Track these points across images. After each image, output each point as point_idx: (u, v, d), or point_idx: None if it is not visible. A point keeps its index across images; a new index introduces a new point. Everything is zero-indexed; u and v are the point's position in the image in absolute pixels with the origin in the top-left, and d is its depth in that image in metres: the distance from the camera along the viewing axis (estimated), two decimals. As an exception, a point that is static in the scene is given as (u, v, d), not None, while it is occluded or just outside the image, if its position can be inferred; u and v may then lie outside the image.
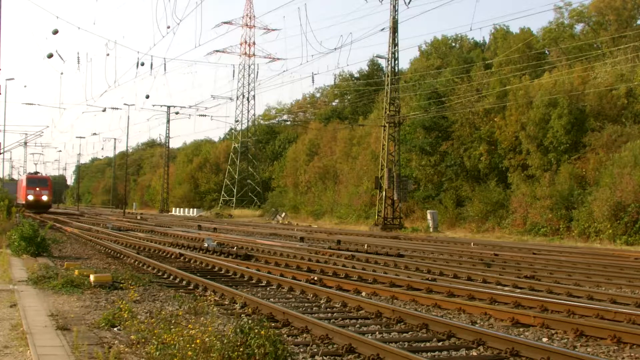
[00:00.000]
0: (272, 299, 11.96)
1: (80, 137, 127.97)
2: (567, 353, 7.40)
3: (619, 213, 31.27)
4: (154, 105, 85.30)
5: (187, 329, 6.78)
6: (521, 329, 9.60)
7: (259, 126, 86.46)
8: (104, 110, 69.79)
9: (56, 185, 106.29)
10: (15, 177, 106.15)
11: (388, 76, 44.64)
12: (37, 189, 64.53)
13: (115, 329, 8.85)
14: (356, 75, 77.71)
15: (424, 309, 11.23)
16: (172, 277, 15.20)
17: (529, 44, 47.14)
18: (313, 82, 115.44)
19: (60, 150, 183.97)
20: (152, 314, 9.41)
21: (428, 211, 42.87)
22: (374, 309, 10.55)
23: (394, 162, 44.10)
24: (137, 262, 18.60)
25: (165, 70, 57.49)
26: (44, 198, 65.51)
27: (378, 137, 49.09)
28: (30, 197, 63.87)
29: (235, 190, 78.93)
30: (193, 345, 6.41)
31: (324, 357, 7.79)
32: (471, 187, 44.26)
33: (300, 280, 14.29)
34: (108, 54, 56.84)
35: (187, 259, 19.58)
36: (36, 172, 73.09)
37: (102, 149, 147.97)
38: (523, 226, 36.99)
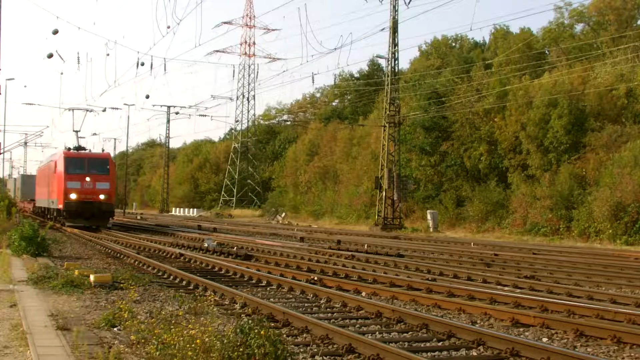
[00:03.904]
0: (272, 299, 11.96)
1: (81, 137, 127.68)
2: (567, 353, 7.40)
3: (619, 213, 31.26)
4: (154, 105, 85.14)
5: (187, 329, 6.78)
6: (521, 329, 9.60)
7: (259, 126, 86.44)
8: (104, 110, 69.27)
9: None
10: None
11: (388, 76, 44.62)
12: (88, 178, 34.08)
13: (115, 329, 8.85)
14: (356, 75, 77.68)
15: (424, 309, 11.23)
16: (172, 277, 15.19)
17: (529, 44, 47.13)
18: (313, 82, 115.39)
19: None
20: (152, 314, 9.42)
21: (428, 211, 42.85)
22: (374, 309, 10.54)
23: (394, 162, 44.08)
24: (137, 262, 18.60)
25: (165, 70, 57.42)
26: (102, 197, 34.34)
27: (378, 137, 49.06)
28: (74, 196, 33.61)
29: (235, 190, 78.90)
30: (193, 346, 6.41)
31: (324, 357, 7.79)
32: (471, 187, 44.22)
33: (300, 280, 14.28)
34: (108, 54, 56.34)
35: (187, 259, 19.58)
36: (80, 147, 37.44)
37: (102, 149, 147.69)
38: (523, 226, 36.95)
